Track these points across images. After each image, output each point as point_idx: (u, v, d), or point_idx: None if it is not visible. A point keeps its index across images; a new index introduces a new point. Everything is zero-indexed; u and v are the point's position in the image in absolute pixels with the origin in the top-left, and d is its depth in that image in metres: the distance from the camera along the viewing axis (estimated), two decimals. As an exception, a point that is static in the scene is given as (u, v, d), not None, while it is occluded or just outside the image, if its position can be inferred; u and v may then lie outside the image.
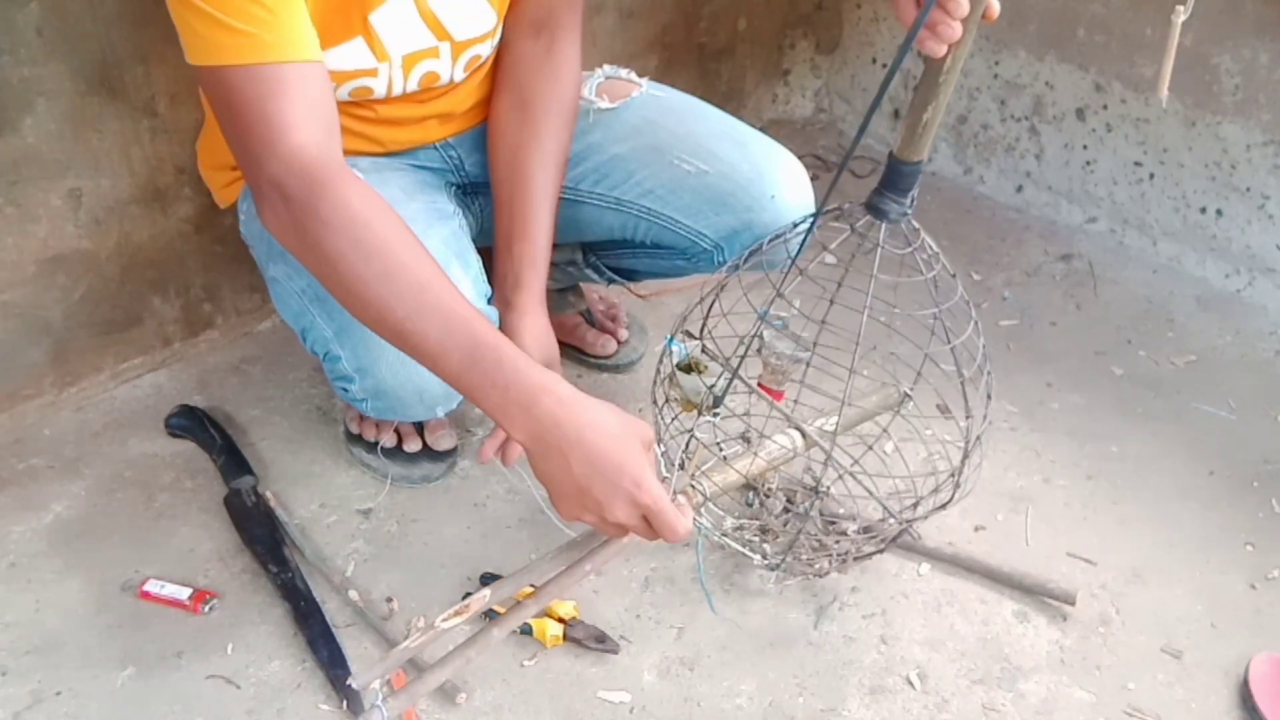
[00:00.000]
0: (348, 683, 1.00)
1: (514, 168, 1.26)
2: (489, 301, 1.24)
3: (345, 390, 1.24)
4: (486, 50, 1.26)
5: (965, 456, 1.17)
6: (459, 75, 1.25)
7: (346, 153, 1.29)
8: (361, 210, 0.96)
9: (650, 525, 0.94)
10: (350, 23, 1.13)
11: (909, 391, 1.25)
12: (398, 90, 1.22)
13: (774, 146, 1.35)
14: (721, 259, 1.35)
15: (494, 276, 1.27)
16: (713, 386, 1.21)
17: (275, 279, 1.24)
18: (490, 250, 1.56)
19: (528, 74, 1.27)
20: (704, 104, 1.40)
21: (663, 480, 0.98)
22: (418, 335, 0.94)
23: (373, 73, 1.18)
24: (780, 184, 1.32)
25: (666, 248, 1.39)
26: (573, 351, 1.64)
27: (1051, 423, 1.59)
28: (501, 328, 1.21)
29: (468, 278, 1.20)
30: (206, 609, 1.24)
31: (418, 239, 0.98)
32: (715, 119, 1.36)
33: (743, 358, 1.18)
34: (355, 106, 1.23)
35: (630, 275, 1.52)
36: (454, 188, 1.38)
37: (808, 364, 1.23)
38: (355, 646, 1.21)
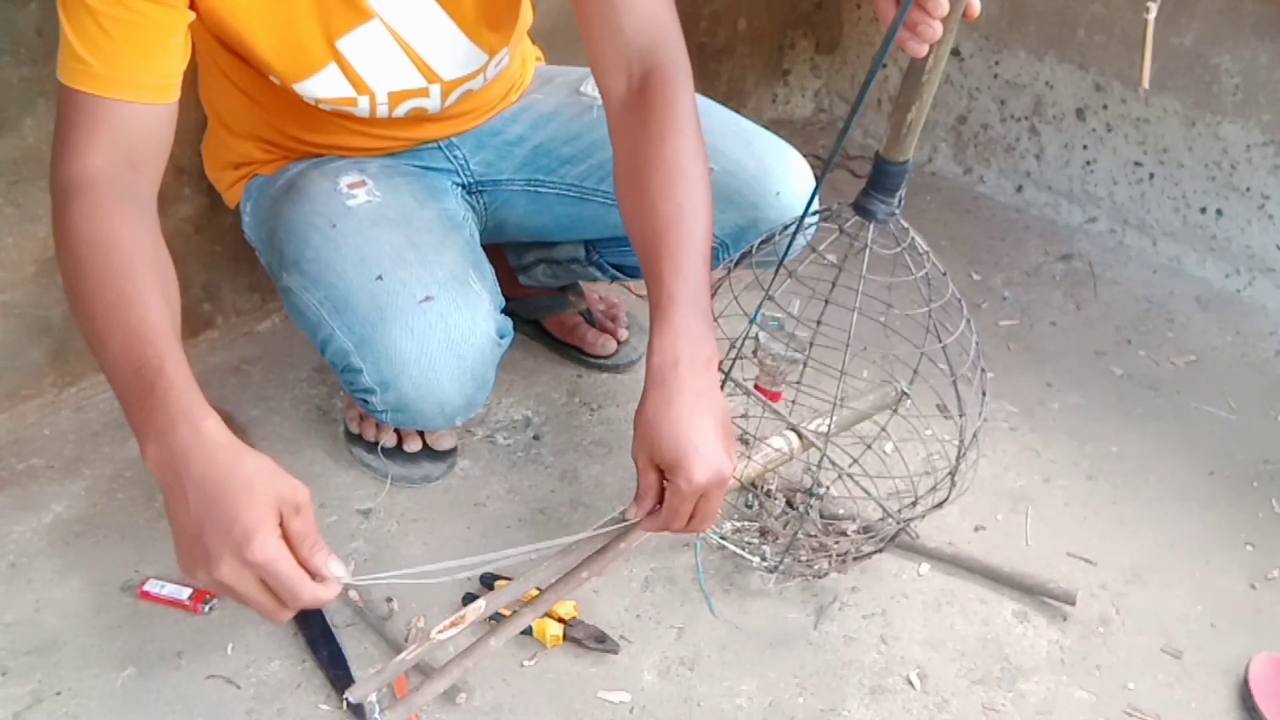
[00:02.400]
0: (344, 696, 1.00)
1: (638, 235, 1.09)
2: (503, 311, 1.23)
3: (365, 402, 1.23)
4: (478, 85, 1.26)
5: (960, 454, 1.17)
6: (450, 102, 1.26)
7: (352, 152, 1.31)
8: (89, 230, 0.95)
9: (273, 592, 0.85)
10: (317, 50, 1.12)
11: (906, 390, 1.25)
12: (383, 115, 1.23)
13: (779, 143, 1.35)
14: (727, 257, 1.35)
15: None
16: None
17: (289, 289, 1.22)
18: (498, 248, 1.57)
19: (628, 136, 1.11)
20: (708, 101, 1.40)
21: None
22: (103, 352, 0.93)
23: (352, 102, 1.19)
24: (786, 181, 1.31)
25: None
26: (573, 351, 1.64)
27: (1051, 423, 1.59)
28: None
29: (485, 289, 1.20)
30: (206, 609, 1.23)
31: (142, 259, 0.96)
32: (719, 116, 1.36)
33: (734, 360, 1.18)
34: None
35: (634, 273, 1.52)
36: (460, 188, 1.38)
37: (804, 365, 1.23)
38: (355, 646, 1.21)
